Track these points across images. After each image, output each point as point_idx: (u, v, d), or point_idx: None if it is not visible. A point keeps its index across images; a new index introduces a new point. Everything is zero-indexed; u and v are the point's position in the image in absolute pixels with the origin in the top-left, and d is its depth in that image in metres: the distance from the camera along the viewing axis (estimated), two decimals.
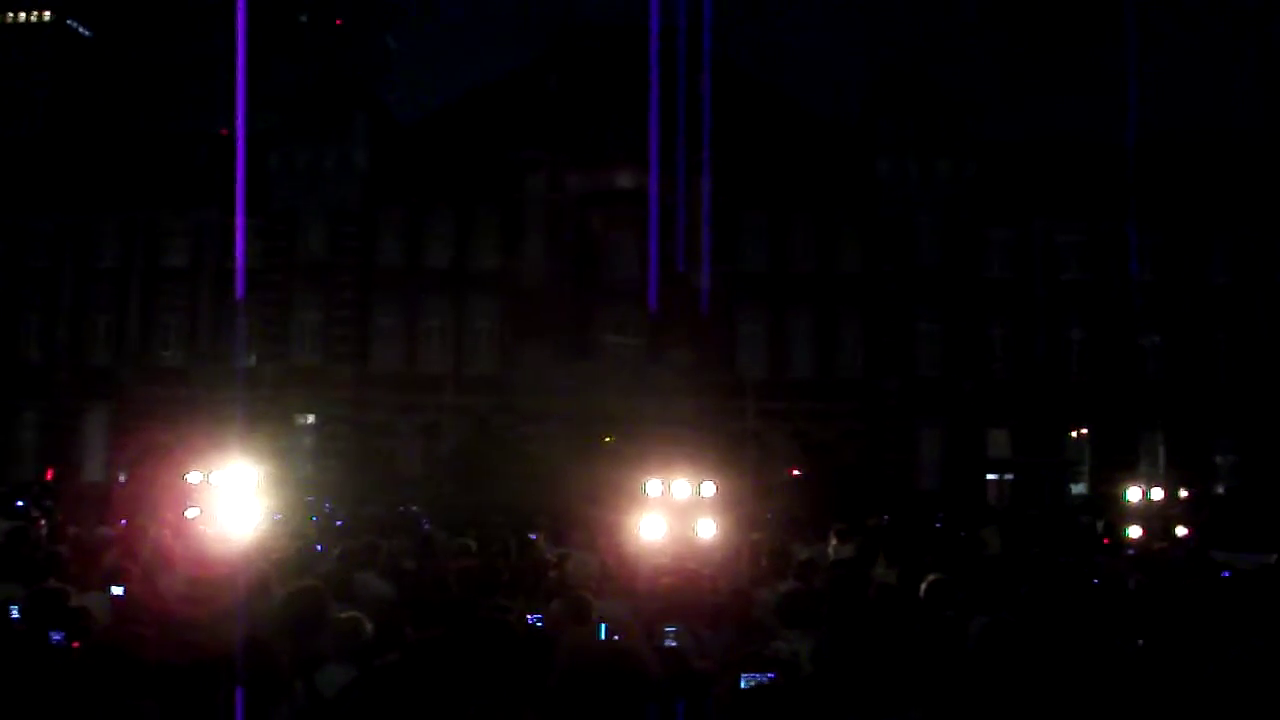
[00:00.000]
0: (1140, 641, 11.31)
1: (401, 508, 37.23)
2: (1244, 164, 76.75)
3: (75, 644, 9.70)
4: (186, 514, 24.02)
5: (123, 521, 24.00)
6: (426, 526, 27.57)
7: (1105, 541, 28.39)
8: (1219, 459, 73.94)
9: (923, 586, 13.63)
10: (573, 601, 12.57)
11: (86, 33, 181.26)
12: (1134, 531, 29.05)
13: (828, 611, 12.11)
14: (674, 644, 11.07)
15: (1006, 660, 9.69)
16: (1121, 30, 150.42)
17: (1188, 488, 53.25)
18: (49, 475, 66.69)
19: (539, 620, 12.25)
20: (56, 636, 9.78)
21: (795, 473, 67.59)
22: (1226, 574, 17.53)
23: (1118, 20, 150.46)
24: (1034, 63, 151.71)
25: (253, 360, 75.26)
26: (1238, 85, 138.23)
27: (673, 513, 22.21)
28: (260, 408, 72.02)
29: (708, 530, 21.32)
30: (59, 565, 14.76)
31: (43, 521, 24.30)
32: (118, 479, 62.41)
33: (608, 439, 68.15)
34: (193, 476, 27.19)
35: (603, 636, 11.25)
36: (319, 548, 19.35)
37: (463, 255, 77.44)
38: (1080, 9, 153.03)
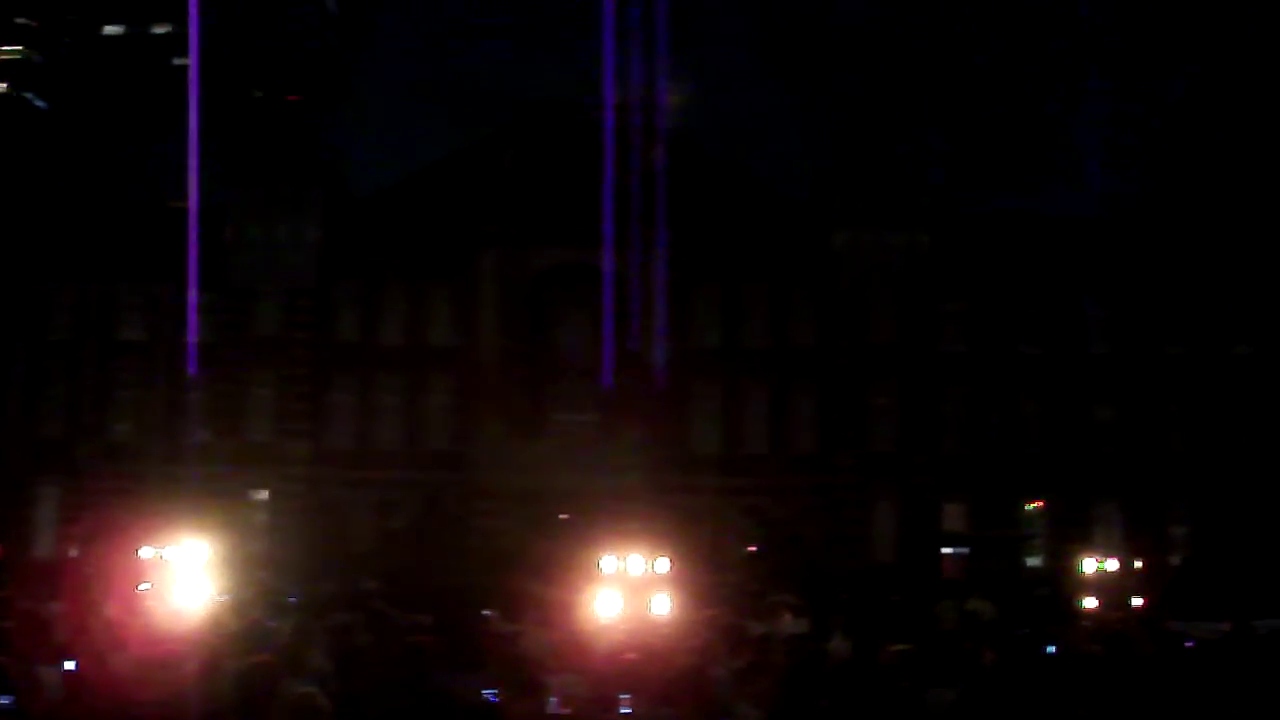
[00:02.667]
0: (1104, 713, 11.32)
1: (355, 584, 37.06)
2: (1195, 238, 77.36)
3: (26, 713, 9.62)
4: (139, 590, 23.86)
5: (75, 597, 23.81)
6: (379, 603, 27.43)
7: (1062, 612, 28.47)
8: (1174, 529, 74.04)
9: (882, 658, 13.61)
10: (525, 676, 12.50)
11: (42, 104, 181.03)
12: (1090, 602, 29.14)
13: (782, 686, 12.08)
14: (628, 710, 11.04)
15: None
16: (1076, 108, 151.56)
17: (1143, 558, 53.35)
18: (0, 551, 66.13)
19: (492, 695, 12.19)
20: (5, 700, 9.71)
21: (751, 548, 67.58)
22: (1190, 644, 17.59)
23: (1074, 96, 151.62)
24: (989, 137, 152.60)
25: (207, 436, 74.84)
26: (1190, 162, 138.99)
27: (628, 589, 22.18)
28: (214, 484, 71.57)
29: (663, 606, 21.29)
30: (5, 640, 14.64)
31: None
32: (70, 554, 62.03)
33: (562, 515, 68.02)
34: (145, 552, 26.99)
35: (552, 710, 11.22)
36: (271, 624, 19.25)
37: (418, 331, 77.29)
38: (1037, 83, 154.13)
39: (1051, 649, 18.26)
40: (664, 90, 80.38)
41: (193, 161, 76.08)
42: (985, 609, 26.62)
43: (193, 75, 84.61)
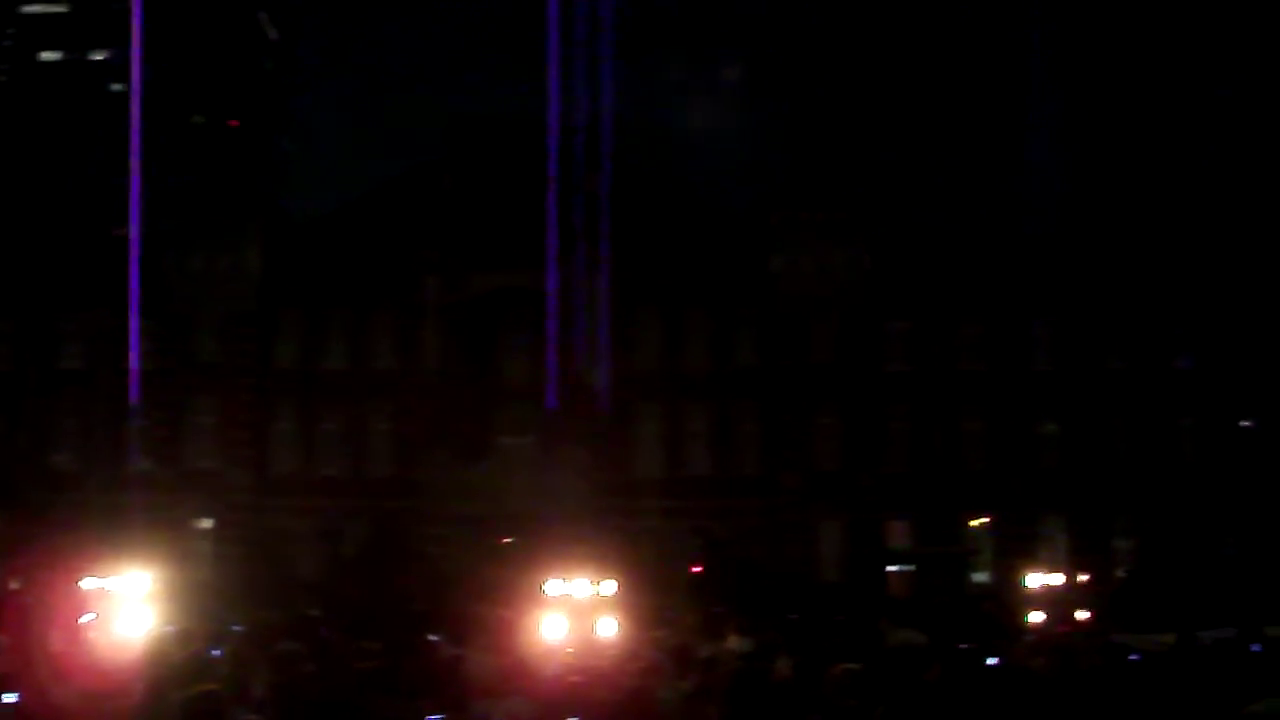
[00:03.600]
0: None
1: (300, 612, 36.84)
2: (1136, 254, 77.89)
3: None
4: (81, 621, 23.68)
5: (16, 629, 23.62)
6: (324, 631, 27.31)
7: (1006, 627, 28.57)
8: (1118, 543, 74.47)
9: (829, 676, 13.62)
10: (470, 701, 12.49)
11: None
12: (1035, 617, 29.27)
13: (729, 706, 12.08)
14: None
15: None
16: (1019, 126, 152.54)
17: (1087, 572, 53.61)
18: None
19: None
20: None
21: (696, 569, 67.60)
22: (1135, 657, 17.68)
23: (1017, 113, 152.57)
24: (930, 157, 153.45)
25: (148, 464, 74.45)
26: (1131, 179, 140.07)
27: (573, 611, 22.18)
28: (156, 513, 71.07)
29: (608, 628, 21.27)
30: None
31: None
32: (10, 585, 61.50)
33: (507, 539, 67.95)
34: (88, 583, 26.84)
35: None
36: (215, 653, 19.13)
37: (361, 357, 77.14)
38: (978, 101, 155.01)
39: (996, 663, 18.31)
40: (606, 110, 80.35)
41: (134, 188, 75.77)
42: (916, 640, 26.63)
43: (134, 101, 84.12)
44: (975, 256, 77.86)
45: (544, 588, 27.69)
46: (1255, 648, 21.09)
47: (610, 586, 29.27)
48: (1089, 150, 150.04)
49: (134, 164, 76.25)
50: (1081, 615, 33.08)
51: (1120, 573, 67.85)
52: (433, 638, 22.97)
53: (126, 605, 22.26)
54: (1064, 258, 77.82)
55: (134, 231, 73.28)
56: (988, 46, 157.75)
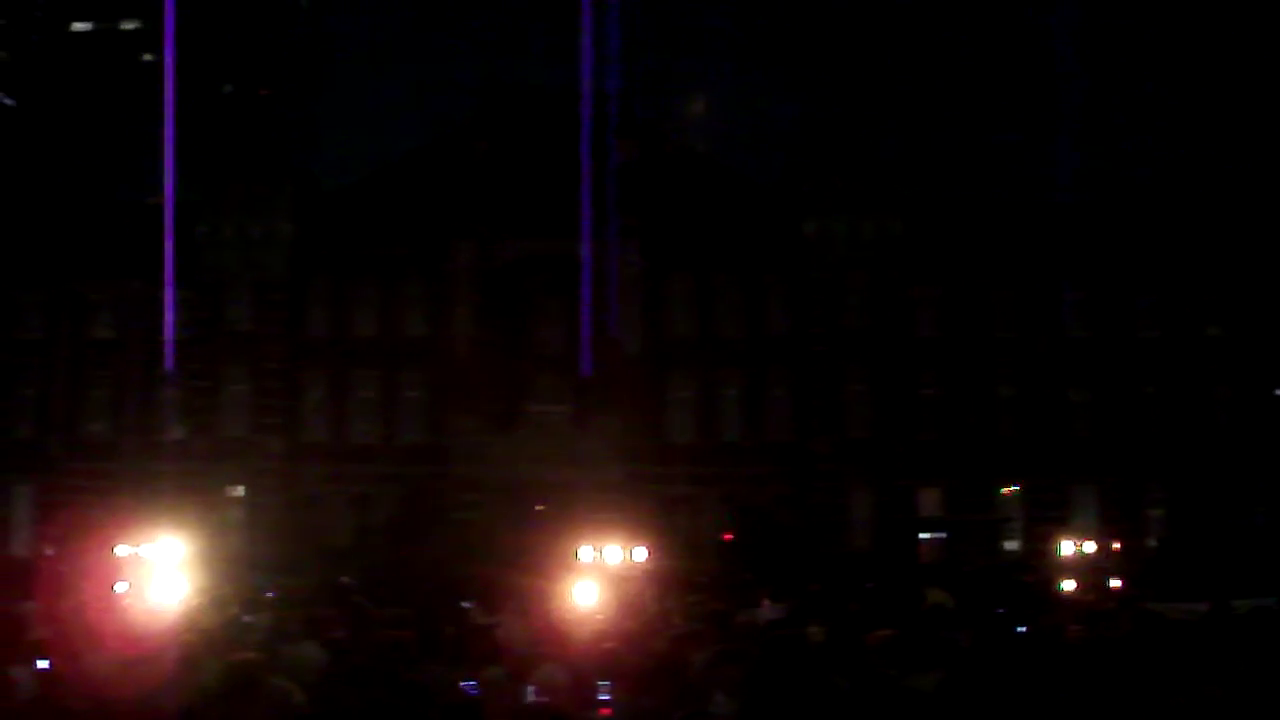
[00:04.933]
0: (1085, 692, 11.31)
1: (332, 579, 36.89)
2: (1168, 222, 77.53)
3: None
4: (115, 588, 23.73)
5: (50, 596, 23.69)
6: (357, 597, 27.34)
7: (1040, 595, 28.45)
8: (1150, 511, 74.29)
9: (864, 643, 13.61)
10: (503, 667, 12.48)
11: (9, 101, 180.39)
12: (1068, 585, 29.15)
13: (756, 672, 12.07)
14: (608, 698, 11.04)
15: (957, 715, 9.65)
16: (1051, 89, 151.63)
17: (1120, 540, 53.45)
18: None
19: (471, 687, 12.15)
20: None
21: (727, 536, 67.58)
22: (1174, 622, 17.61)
23: (1048, 79, 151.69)
24: (962, 122, 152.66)
25: (181, 432, 74.68)
26: (1165, 146, 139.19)
27: (605, 578, 22.13)
28: (189, 480, 71.48)
29: (640, 595, 21.25)
30: None
31: None
32: (45, 553, 61.77)
33: (539, 507, 68.02)
34: (121, 550, 26.92)
35: (530, 700, 11.20)
36: (247, 620, 19.18)
37: (392, 324, 77.14)
38: (1010, 67, 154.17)
39: (1028, 630, 18.26)
40: (639, 78, 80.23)
41: (168, 157, 75.80)
42: (943, 599, 26.55)
43: (168, 70, 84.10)
44: (1007, 222, 77.58)
45: (576, 554, 27.73)
46: None
47: (642, 553, 29.31)
48: (1121, 115, 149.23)
49: (167, 133, 76.23)
50: (1114, 584, 32.92)
51: (1153, 541, 67.70)
52: (465, 604, 22.99)
53: (160, 572, 22.30)
54: (1096, 224, 77.47)
55: (169, 200, 73.42)
56: (1019, 11, 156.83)
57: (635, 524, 37.71)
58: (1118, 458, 74.29)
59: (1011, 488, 75.85)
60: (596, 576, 21.72)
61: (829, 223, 75.77)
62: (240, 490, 74.76)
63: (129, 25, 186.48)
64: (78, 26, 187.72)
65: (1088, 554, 44.89)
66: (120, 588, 23.75)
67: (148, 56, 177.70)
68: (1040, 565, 48.02)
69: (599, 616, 18.12)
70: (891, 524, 72.64)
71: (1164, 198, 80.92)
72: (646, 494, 67.69)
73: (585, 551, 28.40)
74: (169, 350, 72.96)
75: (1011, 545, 73.69)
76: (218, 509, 71.07)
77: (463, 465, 72.30)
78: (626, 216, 71.64)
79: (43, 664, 13.24)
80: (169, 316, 72.93)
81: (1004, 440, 75.38)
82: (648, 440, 73.09)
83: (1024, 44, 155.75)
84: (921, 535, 73.59)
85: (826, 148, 77.66)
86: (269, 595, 27.14)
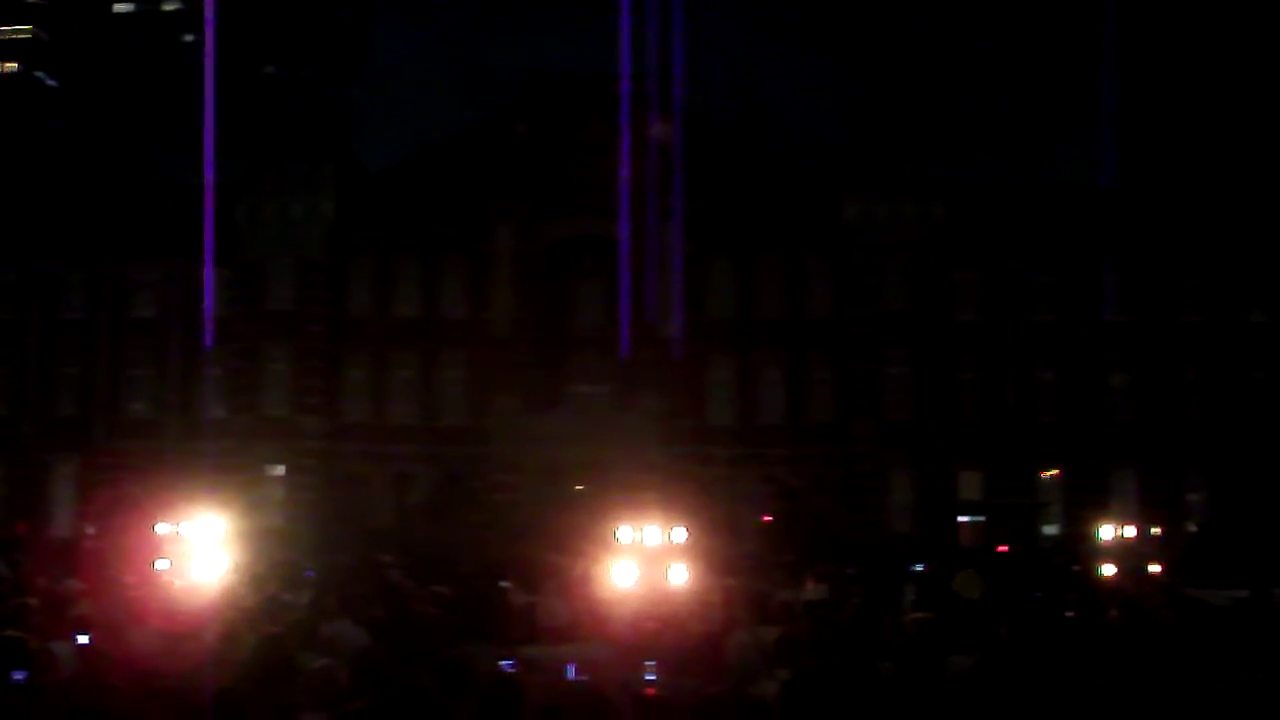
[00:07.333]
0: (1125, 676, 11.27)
1: (372, 557, 36.99)
2: (1210, 205, 77.25)
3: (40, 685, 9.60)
4: (156, 566, 23.85)
5: (92, 573, 23.85)
6: (396, 575, 27.44)
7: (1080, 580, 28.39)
8: (1190, 496, 74.06)
9: (904, 626, 13.60)
10: (542, 646, 12.51)
11: (53, 83, 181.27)
12: (1107, 570, 29.07)
13: (806, 653, 12.07)
14: (652, 677, 11.06)
15: (994, 698, 9.63)
16: (1093, 74, 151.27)
17: (1160, 525, 53.30)
18: (20, 529, 66.19)
19: (510, 665, 12.17)
20: (19, 675, 9.68)
21: (767, 518, 67.57)
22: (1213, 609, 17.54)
23: (1089, 64, 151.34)
24: (1002, 106, 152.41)
25: (222, 411, 74.95)
26: (1207, 130, 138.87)
27: (644, 559, 22.12)
28: (229, 459, 71.79)
29: (680, 576, 21.25)
30: (23, 616, 14.64)
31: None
32: (87, 531, 62.12)
33: (578, 487, 68.09)
34: (162, 528, 26.99)
35: (570, 679, 11.22)
36: (287, 598, 19.25)
37: (432, 305, 77.24)
38: (1051, 50, 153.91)
39: (1069, 614, 18.22)
40: (679, 60, 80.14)
41: (208, 137, 76.11)
42: (973, 580, 26.51)
43: (209, 50, 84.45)
44: (1047, 206, 77.35)
45: (616, 535, 27.71)
46: None
47: (681, 534, 29.26)
48: (1163, 99, 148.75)
49: (207, 113, 76.53)
50: (1153, 569, 32.83)
51: (1192, 527, 67.45)
52: (504, 584, 23.07)
53: (200, 550, 22.40)
54: (1137, 208, 77.21)
55: (209, 180, 73.68)
56: None
57: (674, 505, 37.62)
58: (1158, 442, 74.10)
59: (1051, 472, 75.67)
60: (635, 557, 21.74)
61: (870, 206, 75.63)
62: (280, 469, 74.97)
63: (170, 6, 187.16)
64: (120, 8, 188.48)
65: (1127, 539, 44.70)
66: (161, 565, 23.88)
67: (189, 37, 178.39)
68: (1079, 550, 47.94)
69: (638, 597, 18.15)
70: (931, 506, 72.57)
71: (1206, 180, 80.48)
72: (686, 475, 67.66)
73: (624, 532, 28.33)
74: (208, 329, 73.20)
75: (1051, 529, 73.59)
76: (258, 488, 71.32)
77: (502, 445, 72.42)
78: (666, 197, 71.56)
79: (83, 639, 13.32)
80: (210, 296, 73.19)
81: (1043, 424, 75.22)
82: (688, 421, 73.12)
83: (1067, 27, 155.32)
84: (961, 518, 73.55)
85: (868, 131, 77.15)
86: (308, 574, 27.25)
